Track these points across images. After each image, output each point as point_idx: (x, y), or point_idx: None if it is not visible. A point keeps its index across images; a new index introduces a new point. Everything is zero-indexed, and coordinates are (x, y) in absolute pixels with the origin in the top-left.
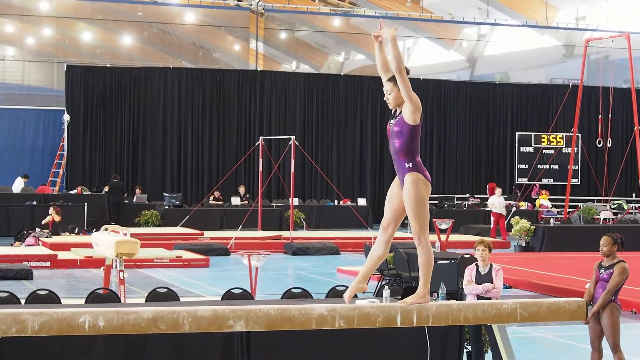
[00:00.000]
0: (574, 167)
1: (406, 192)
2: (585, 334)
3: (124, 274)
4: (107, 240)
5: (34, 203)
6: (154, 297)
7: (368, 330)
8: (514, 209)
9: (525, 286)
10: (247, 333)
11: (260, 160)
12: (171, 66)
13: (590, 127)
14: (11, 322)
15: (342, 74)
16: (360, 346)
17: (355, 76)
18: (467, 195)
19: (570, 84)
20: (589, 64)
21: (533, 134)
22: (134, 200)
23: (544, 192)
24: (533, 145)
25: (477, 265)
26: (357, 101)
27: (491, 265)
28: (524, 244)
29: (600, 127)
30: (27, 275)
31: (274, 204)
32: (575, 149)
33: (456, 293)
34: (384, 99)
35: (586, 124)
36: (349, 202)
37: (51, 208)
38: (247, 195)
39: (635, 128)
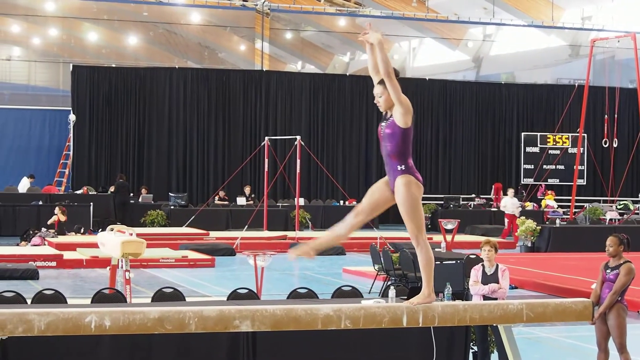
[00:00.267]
0: (580, 167)
1: (399, 194)
2: (591, 335)
3: (130, 274)
4: (113, 240)
5: (40, 203)
6: (160, 297)
7: (374, 330)
8: (519, 209)
9: (531, 287)
10: (253, 333)
11: (266, 160)
12: (177, 66)
13: (596, 128)
14: (17, 322)
15: (347, 74)
16: (366, 346)
17: (360, 76)
18: (473, 195)
19: (576, 84)
20: (595, 64)
21: (539, 134)
22: (140, 200)
23: (549, 192)
24: (539, 145)
25: (483, 265)
26: (362, 101)
27: (497, 265)
28: (529, 245)
29: (606, 127)
30: (33, 275)
31: (280, 204)
32: (581, 149)
33: (462, 293)
34: (374, 102)
35: (592, 124)
36: (354, 202)
37: (57, 208)
38: (253, 195)
39: None
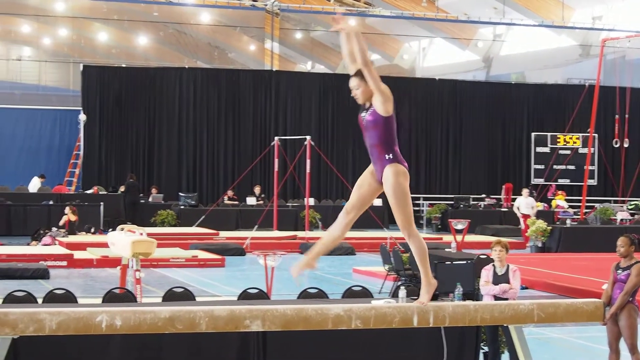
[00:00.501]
0: (590, 167)
1: (388, 184)
2: (602, 335)
3: (140, 273)
4: (123, 240)
5: (51, 203)
6: (170, 296)
7: (384, 330)
8: (534, 209)
9: (542, 287)
10: (263, 333)
11: (276, 160)
12: (187, 66)
13: (606, 128)
14: (29, 321)
15: None
16: (376, 347)
17: None
18: (483, 195)
19: (587, 84)
20: (606, 64)
21: (549, 134)
22: (150, 200)
23: (560, 192)
24: (549, 145)
25: (494, 265)
26: None
27: (508, 265)
28: (540, 245)
29: (616, 127)
30: (43, 274)
31: (290, 204)
32: (592, 149)
33: (472, 293)
34: (352, 95)
35: (603, 125)
36: None
37: (67, 208)
38: (263, 195)
39: None
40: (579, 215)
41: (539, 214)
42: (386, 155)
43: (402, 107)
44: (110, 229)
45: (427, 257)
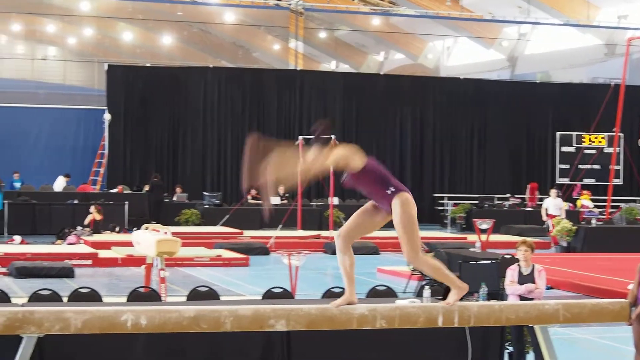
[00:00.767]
0: (616, 167)
1: (396, 214)
2: (628, 336)
3: (165, 272)
4: (148, 239)
5: (75, 202)
6: (195, 296)
7: (408, 330)
8: (563, 210)
9: (567, 287)
10: (287, 332)
11: (300, 159)
12: (211, 66)
13: (632, 127)
14: (54, 320)
15: (381, 73)
16: (400, 347)
17: (394, 75)
18: (508, 195)
19: (612, 84)
20: (631, 63)
21: (574, 133)
22: (174, 199)
23: (585, 192)
24: (574, 145)
25: (519, 265)
26: (396, 100)
27: (534, 265)
28: (565, 245)
29: None
30: (68, 273)
31: (314, 204)
32: (617, 149)
33: (497, 293)
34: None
35: (628, 124)
36: None
37: (92, 207)
38: (287, 195)
39: None
40: (604, 215)
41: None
42: (387, 191)
43: (426, 106)
44: (135, 228)
45: (444, 270)
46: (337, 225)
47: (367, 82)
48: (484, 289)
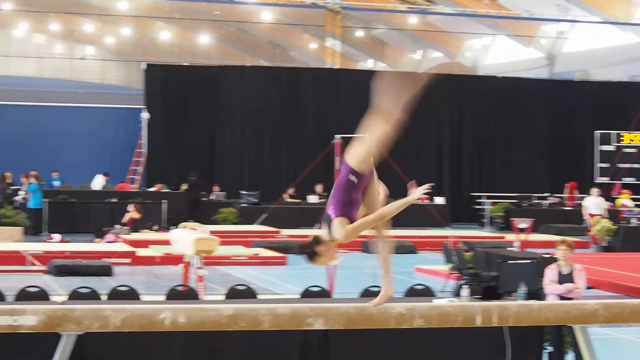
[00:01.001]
0: None
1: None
2: None
3: (203, 271)
4: (185, 238)
5: (114, 200)
6: (233, 294)
7: (446, 329)
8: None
9: (607, 287)
10: (325, 331)
11: (337, 158)
12: (248, 65)
13: None
14: (94, 318)
15: (419, 72)
16: (438, 346)
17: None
18: (546, 194)
19: None
20: None
21: (613, 132)
22: (212, 197)
23: (625, 191)
24: (613, 143)
25: (558, 265)
26: (434, 99)
27: (573, 265)
28: (605, 244)
29: None
30: (107, 271)
31: None
32: None
33: (536, 293)
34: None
35: None
36: (426, 201)
37: (131, 205)
38: (325, 193)
39: None
40: None
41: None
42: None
43: (464, 105)
44: (173, 227)
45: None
46: None
47: None
48: (522, 289)
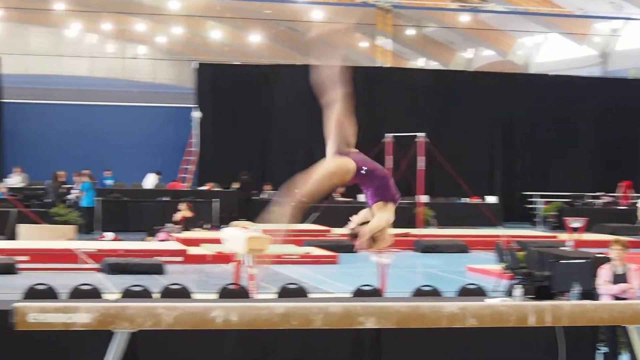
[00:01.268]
0: None
1: (326, 161)
2: None
3: (254, 269)
4: (237, 237)
5: (166, 199)
6: (285, 293)
7: (498, 329)
8: None
9: None
10: (377, 330)
11: (388, 157)
12: (299, 64)
13: None
14: (146, 316)
15: (470, 70)
16: (490, 345)
17: (483, 72)
18: (600, 193)
19: None
20: None
21: None
22: (263, 196)
23: None
24: None
25: (612, 264)
26: (485, 97)
27: (627, 265)
28: None
29: None
30: (159, 270)
31: (402, 201)
32: None
33: (590, 293)
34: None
35: None
36: (478, 200)
37: (183, 204)
38: None
39: None
40: None
41: None
42: (363, 168)
43: (516, 103)
44: (224, 226)
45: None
46: (426, 223)
47: (455, 79)
48: (576, 288)
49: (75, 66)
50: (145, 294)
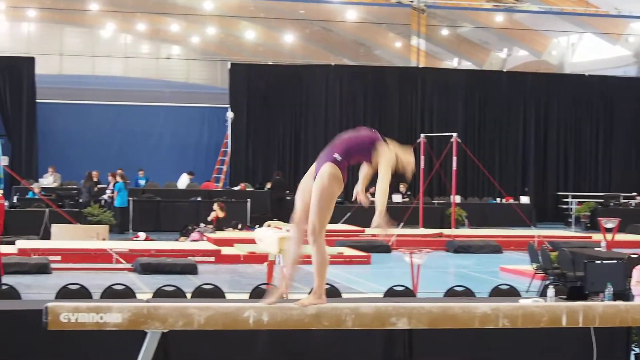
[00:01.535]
0: None
1: (319, 180)
2: None
3: (288, 270)
4: (270, 237)
5: (199, 199)
6: None
7: (531, 330)
8: None
9: None
10: (409, 331)
11: (422, 157)
12: (332, 64)
13: None
14: (178, 316)
15: (504, 70)
16: (522, 346)
17: (517, 72)
18: (634, 193)
19: None
20: None
21: None
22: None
23: None
24: None
25: None
26: (519, 98)
27: None
28: None
29: None
30: (192, 270)
31: (435, 202)
32: None
33: (623, 294)
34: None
35: None
36: (511, 200)
37: (215, 204)
38: (409, 193)
39: None
40: None
41: None
42: (336, 154)
43: (550, 103)
44: (257, 226)
45: (326, 270)
46: (459, 223)
47: (489, 79)
48: (609, 289)
49: (109, 66)
50: (177, 294)
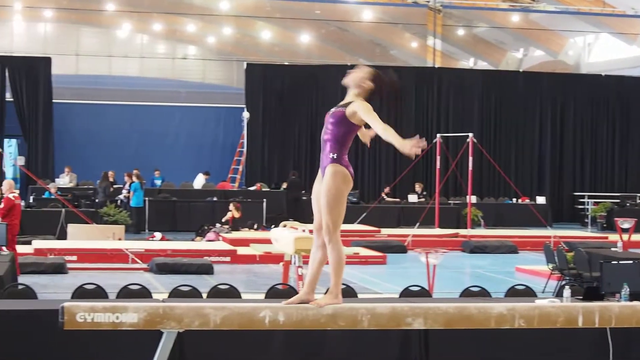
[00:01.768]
0: None
1: (324, 183)
2: None
3: (303, 270)
4: (286, 237)
5: (215, 199)
6: None
7: (547, 330)
8: None
9: None
10: (425, 331)
11: (438, 157)
12: (348, 64)
13: None
14: (194, 316)
15: (520, 70)
16: (538, 347)
17: (534, 72)
18: None
19: None
20: None
21: None
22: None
23: None
24: None
25: None
26: (535, 98)
27: None
28: None
29: None
30: (207, 270)
31: (451, 202)
32: None
33: (639, 294)
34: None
35: None
36: (527, 200)
37: (231, 204)
38: (425, 193)
39: None
40: None
41: None
42: (331, 154)
43: (566, 103)
44: (273, 226)
45: (343, 268)
46: (475, 223)
47: (506, 79)
48: (626, 290)
49: (125, 66)
50: (193, 294)
